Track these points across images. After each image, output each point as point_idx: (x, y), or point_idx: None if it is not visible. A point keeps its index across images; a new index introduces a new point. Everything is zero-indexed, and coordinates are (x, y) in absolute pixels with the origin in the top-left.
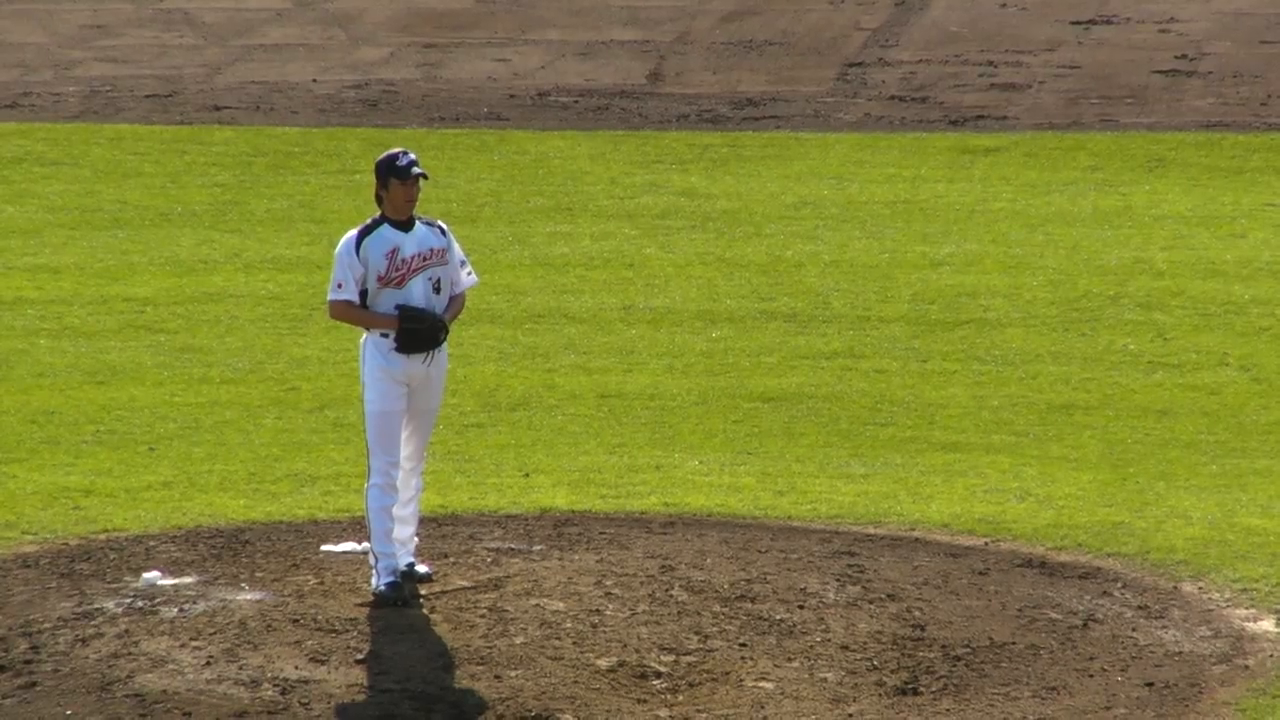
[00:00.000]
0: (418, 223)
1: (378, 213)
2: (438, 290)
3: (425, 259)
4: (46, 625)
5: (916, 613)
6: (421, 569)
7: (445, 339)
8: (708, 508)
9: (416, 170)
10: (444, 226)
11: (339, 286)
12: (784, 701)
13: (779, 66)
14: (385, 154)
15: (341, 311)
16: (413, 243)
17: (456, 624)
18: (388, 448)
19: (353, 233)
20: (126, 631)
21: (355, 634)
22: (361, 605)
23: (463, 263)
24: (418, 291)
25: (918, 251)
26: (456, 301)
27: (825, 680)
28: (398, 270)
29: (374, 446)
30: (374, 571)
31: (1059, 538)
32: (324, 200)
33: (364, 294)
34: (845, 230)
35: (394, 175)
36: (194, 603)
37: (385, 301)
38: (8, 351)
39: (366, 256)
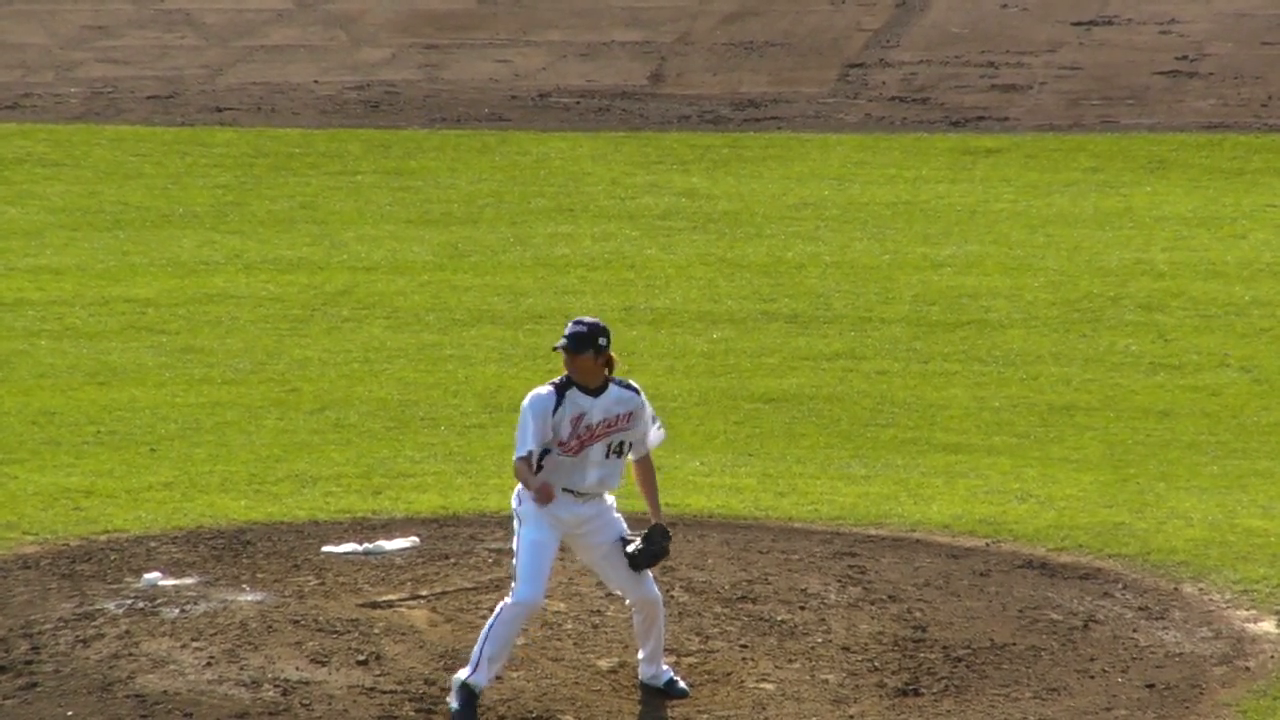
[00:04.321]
0: (612, 386)
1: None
2: (618, 454)
3: (610, 425)
4: (47, 626)
5: (917, 614)
6: (680, 685)
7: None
8: (709, 509)
9: (560, 344)
10: (636, 388)
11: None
12: (785, 703)
13: (780, 67)
14: None
15: (520, 470)
16: (599, 409)
17: (457, 625)
18: (528, 576)
19: (544, 391)
20: (127, 632)
21: (356, 635)
22: (363, 606)
23: (654, 419)
24: (595, 456)
25: (919, 252)
26: (647, 477)
27: (826, 681)
28: (579, 438)
29: (518, 571)
30: (471, 664)
31: (1060, 539)
32: (325, 201)
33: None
34: (846, 231)
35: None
36: (195, 603)
37: (556, 465)
38: (9, 352)
39: (560, 420)
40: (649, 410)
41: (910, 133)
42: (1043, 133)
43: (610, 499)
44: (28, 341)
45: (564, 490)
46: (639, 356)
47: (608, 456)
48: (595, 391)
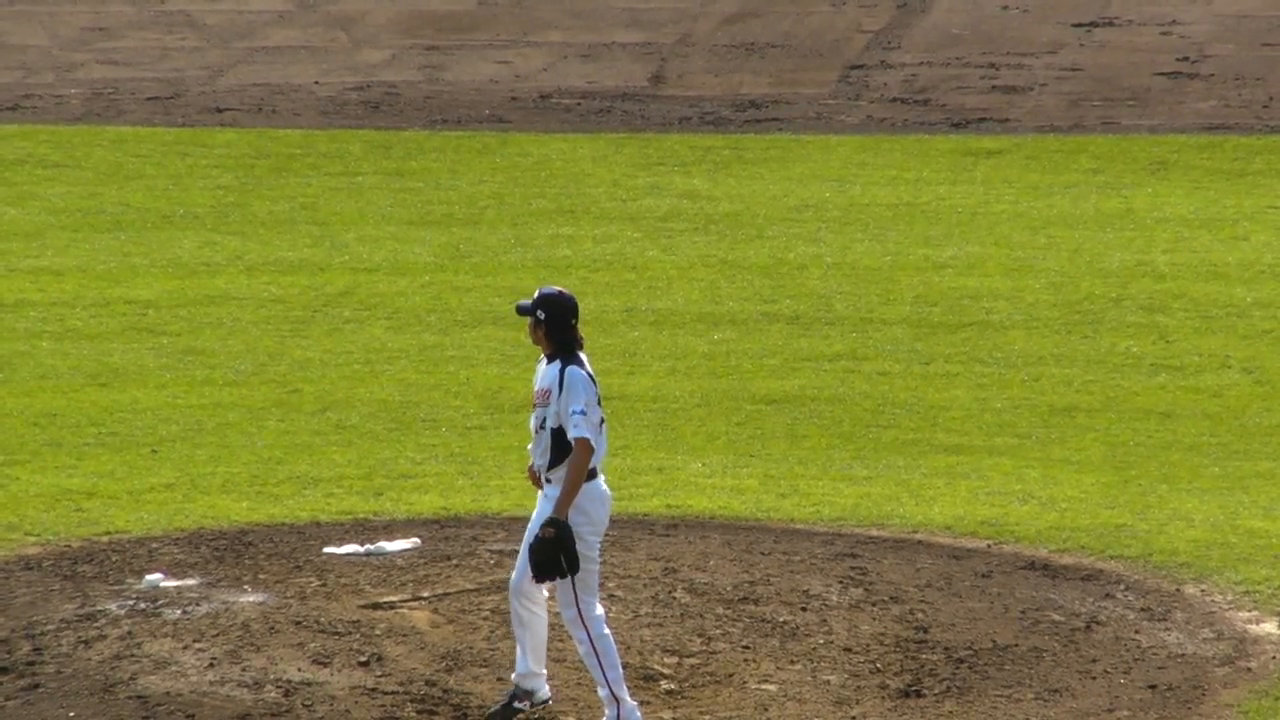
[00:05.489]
0: (558, 360)
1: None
2: (540, 428)
3: (539, 396)
4: (49, 627)
5: (919, 615)
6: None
7: (546, 540)
8: (710, 510)
9: (519, 308)
10: (568, 369)
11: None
12: (787, 704)
13: (781, 69)
14: None
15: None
16: (540, 378)
17: (459, 626)
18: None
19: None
20: (129, 633)
21: (358, 636)
22: (364, 607)
23: (572, 413)
24: (532, 424)
25: (920, 254)
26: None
27: (828, 682)
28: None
29: None
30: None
31: (1061, 540)
32: (326, 202)
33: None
34: (847, 232)
35: None
36: (197, 604)
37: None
38: (10, 354)
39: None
40: (576, 395)
41: (911, 134)
42: (1043, 134)
43: (544, 504)
44: (29, 343)
45: None
46: (640, 358)
47: (539, 429)
48: (547, 359)
